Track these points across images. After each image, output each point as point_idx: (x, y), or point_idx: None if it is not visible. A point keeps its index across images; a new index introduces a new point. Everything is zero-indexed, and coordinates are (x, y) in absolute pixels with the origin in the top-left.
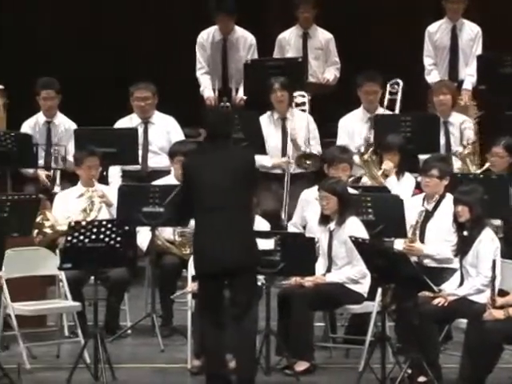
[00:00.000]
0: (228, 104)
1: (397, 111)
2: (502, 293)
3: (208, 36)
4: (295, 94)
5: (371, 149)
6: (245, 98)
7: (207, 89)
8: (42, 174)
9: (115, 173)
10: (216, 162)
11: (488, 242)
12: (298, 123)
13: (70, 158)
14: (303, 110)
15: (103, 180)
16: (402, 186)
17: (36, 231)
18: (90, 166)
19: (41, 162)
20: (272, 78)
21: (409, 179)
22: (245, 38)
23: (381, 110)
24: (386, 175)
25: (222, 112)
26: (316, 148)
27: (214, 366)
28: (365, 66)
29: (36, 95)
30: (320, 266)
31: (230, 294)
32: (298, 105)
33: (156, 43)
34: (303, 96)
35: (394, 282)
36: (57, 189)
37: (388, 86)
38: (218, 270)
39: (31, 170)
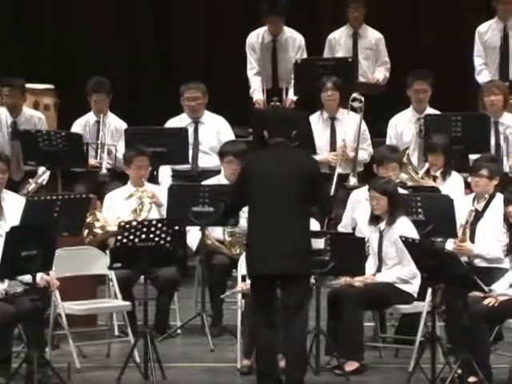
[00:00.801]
0: (278, 104)
1: None
2: None
3: (257, 37)
4: (352, 96)
5: (408, 151)
6: (295, 98)
7: (257, 91)
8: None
9: (165, 172)
10: (275, 165)
11: None
12: (348, 124)
13: (120, 157)
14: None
15: (153, 180)
16: (449, 186)
17: (86, 232)
18: (140, 166)
19: (91, 161)
20: (325, 77)
21: (456, 179)
22: (293, 39)
23: (430, 110)
24: (433, 176)
25: (281, 114)
26: (367, 150)
27: (266, 366)
28: (414, 66)
29: (87, 96)
30: (370, 265)
31: (281, 296)
32: (353, 109)
33: (206, 43)
34: (360, 101)
35: (445, 282)
36: (104, 169)
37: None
38: (270, 273)
39: None
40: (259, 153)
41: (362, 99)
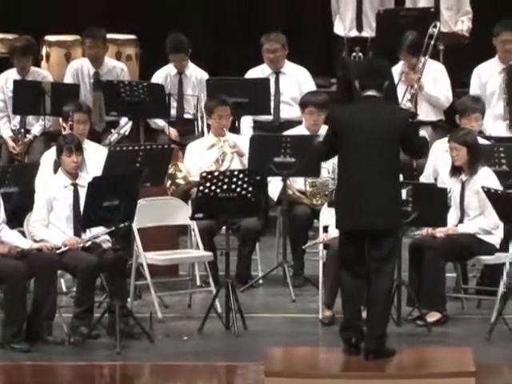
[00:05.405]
0: (360, 54)
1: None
2: None
3: None
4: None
5: None
6: None
7: None
8: (173, 132)
9: (247, 123)
10: (368, 118)
11: None
12: (429, 73)
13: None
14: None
15: (235, 130)
16: None
17: (169, 182)
18: (221, 116)
19: (173, 112)
20: (406, 32)
21: None
22: None
23: None
24: None
25: (375, 63)
26: (446, 94)
27: (350, 317)
28: (499, 15)
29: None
30: (452, 216)
31: (369, 249)
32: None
33: None
34: (435, 26)
35: None
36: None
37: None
38: (359, 228)
39: (161, 124)
40: (351, 105)
41: (438, 24)
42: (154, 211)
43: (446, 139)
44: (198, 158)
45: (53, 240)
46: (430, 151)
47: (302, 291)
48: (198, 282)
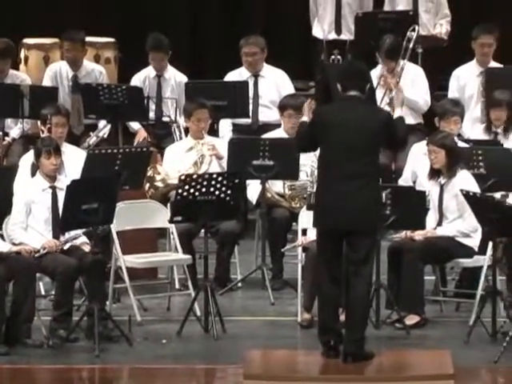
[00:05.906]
0: (339, 57)
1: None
2: None
3: None
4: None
5: None
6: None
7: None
8: (143, 134)
9: (226, 126)
10: (349, 119)
11: None
12: (407, 76)
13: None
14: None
15: (214, 133)
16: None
17: (147, 185)
18: (200, 119)
19: (151, 114)
20: (384, 36)
21: None
22: None
23: (494, 64)
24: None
25: (356, 66)
26: (424, 98)
27: (327, 319)
28: (478, 18)
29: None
30: (431, 219)
31: (346, 250)
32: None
33: None
34: (413, 30)
35: (506, 235)
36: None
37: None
38: (336, 228)
39: (136, 127)
40: (332, 105)
41: (416, 28)
42: (133, 214)
43: (424, 142)
44: (177, 161)
45: (32, 243)
46: (408, 154)
47: (281, 294)
48: (177, 285)
